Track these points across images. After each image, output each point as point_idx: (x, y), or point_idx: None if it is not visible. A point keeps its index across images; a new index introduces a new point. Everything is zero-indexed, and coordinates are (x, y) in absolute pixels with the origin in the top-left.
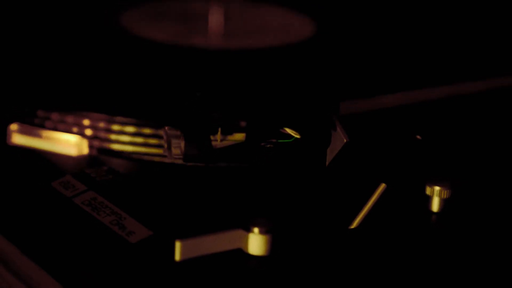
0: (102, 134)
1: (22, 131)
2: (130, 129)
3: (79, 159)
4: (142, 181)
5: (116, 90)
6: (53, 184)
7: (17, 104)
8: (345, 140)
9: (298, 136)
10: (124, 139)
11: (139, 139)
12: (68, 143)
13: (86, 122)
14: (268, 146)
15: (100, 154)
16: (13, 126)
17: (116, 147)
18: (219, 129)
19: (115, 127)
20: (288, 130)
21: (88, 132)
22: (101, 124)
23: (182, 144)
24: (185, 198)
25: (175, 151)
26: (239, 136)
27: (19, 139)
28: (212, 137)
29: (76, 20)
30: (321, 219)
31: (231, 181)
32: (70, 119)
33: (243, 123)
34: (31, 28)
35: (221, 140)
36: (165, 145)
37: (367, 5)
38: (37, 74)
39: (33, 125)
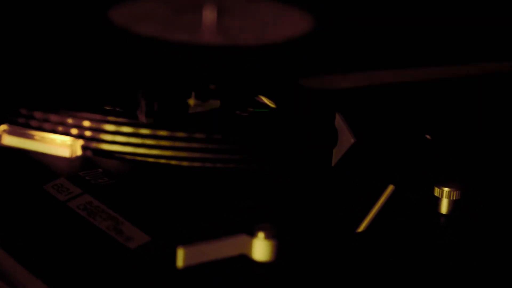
0: (95, 135)
1: (12, 132)
2: (125, 129)
3: (73, 161)
4: (139, 184)
5: (107, 87)
6: (46, 187)
7: (7, 104)
8: (352, 140)
9: (273, 106)
10: (119, 139)
11: (134, 140)
12: (60, 144)
13: (78, 122)
14: (244, 114)
15: (94, 156)
16: (3, 127)
17: (110, 147)
18: (193, 93)
19: (109, 127)
20: (264, 99)
21: (81, 132)
22: (94, 124)
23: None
24: (183, 200)
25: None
26: (214, 103)
27: (9, 141)
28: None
29: (65, 15)
30: (327, 222)
31: (232, 182)
32: (62, 119)
33: (213, 87)
34: (23, 25)
35: (195, 105)
36: (139, 109)
37: None
38: (27, 72)
39: (24, 126)
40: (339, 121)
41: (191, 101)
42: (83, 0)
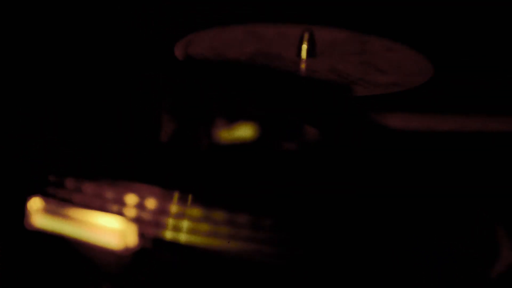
0: (158, 218)
1: (46, 211)
2: (194, 212)
3: (124, 255)
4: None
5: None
6: None
7: (41, 172)
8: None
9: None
10: (185, 226)
11: (205, 226)
12: (109, 230)
13: (135, 199)
14: (292, 148)
15: (155, 248)
16: (34, 202)
17: (174, 236)
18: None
19: (177, 208)
20: (311, 129)
21: (137, 214)
22: (156, 203)
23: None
24: None
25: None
26: (246, 132)
27: (41, 222)
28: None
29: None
30: None
31: None
32: (112, 194)
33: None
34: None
35: (222, 129)
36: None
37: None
38: (68, 128)
39: (61, 201)
40: (501, 234)
41: (220, 124)
42: None
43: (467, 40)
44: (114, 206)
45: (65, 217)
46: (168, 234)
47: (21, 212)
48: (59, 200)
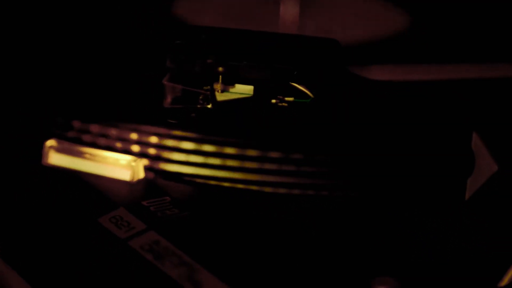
0: (160, 153)
1: (61, 149)
2: (207, 147)
3: (134, 185)
4: (216, 216)
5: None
6: (101, 220)
7: (55, 115)
8: (494, 168)
9: (311, 95)
10: (188, 159)
11: (212, 160)
12: (119, 165)
13: (141, 137)
14: (283, 104)
15: (159, 179)
16: (50, 143)
17: (178, 169)
18: (220, 77)
19: (183, 144)
20: (300, 87)
21: (144, 150)
22: (159, 140)
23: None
24: (271, 239)
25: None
26: (245, 89)
27: (57, 159)
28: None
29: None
30: (462, 274)
31: (333, 216)
32: (121, 133)
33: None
34: (76, 22)
35: (222, 91)
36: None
37: None
38: (80, 75)
39: (75, 142)
40: (477, 142)
41: (218, 86)
42: None
43: None
44: (124, 144)
45: (77, 155)
46: (171, 167)
47: (38, 152)
48: (71, 140)
